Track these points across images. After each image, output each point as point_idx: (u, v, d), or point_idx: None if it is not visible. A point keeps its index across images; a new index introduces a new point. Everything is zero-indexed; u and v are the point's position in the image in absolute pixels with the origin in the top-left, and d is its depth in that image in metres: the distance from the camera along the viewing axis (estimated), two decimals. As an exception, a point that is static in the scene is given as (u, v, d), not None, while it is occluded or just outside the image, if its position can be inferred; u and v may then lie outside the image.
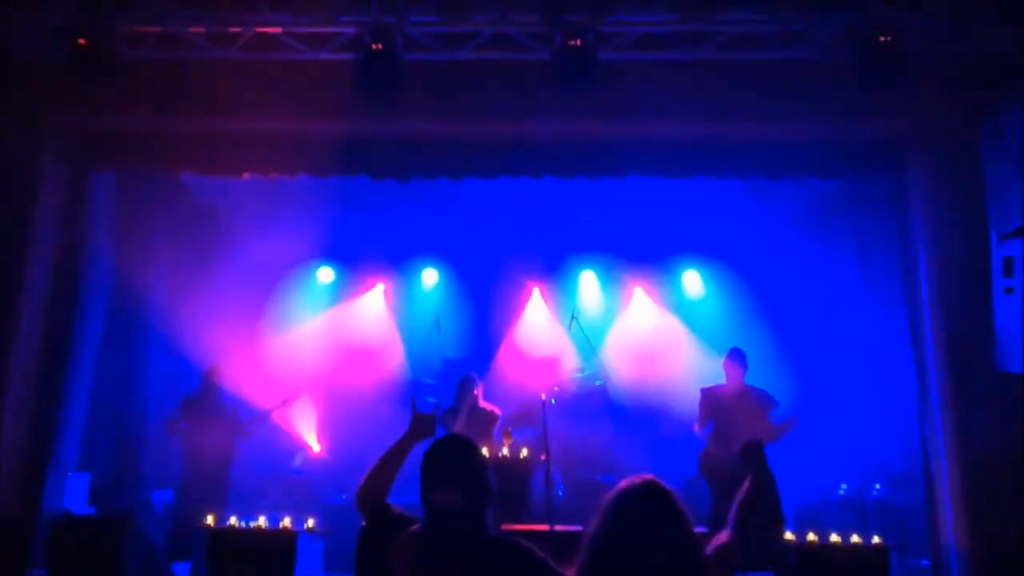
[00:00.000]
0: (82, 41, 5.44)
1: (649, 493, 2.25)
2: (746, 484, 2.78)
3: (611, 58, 5.58)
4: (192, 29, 5.66)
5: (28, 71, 5.90)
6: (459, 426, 6.85)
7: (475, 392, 7.07)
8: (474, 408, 7.01)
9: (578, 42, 5.25)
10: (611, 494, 2.27)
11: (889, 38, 5.21)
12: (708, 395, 6.56)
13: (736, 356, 6.57)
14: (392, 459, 2.73)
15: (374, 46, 5.30)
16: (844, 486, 7.64)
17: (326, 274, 9.66)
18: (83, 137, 6.47)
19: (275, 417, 7.80)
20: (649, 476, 2.30)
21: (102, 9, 5.44)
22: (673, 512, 2.22)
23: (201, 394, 7.17)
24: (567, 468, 8.03)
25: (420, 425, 2.85)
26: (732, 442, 6.05)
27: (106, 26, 5.49)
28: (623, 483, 2.30)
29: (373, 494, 2.66)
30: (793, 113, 5.89)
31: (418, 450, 2.72)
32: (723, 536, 2.66)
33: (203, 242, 8.64)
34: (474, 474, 2.44)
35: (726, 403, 6.42)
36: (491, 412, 7.11)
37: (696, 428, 6.56)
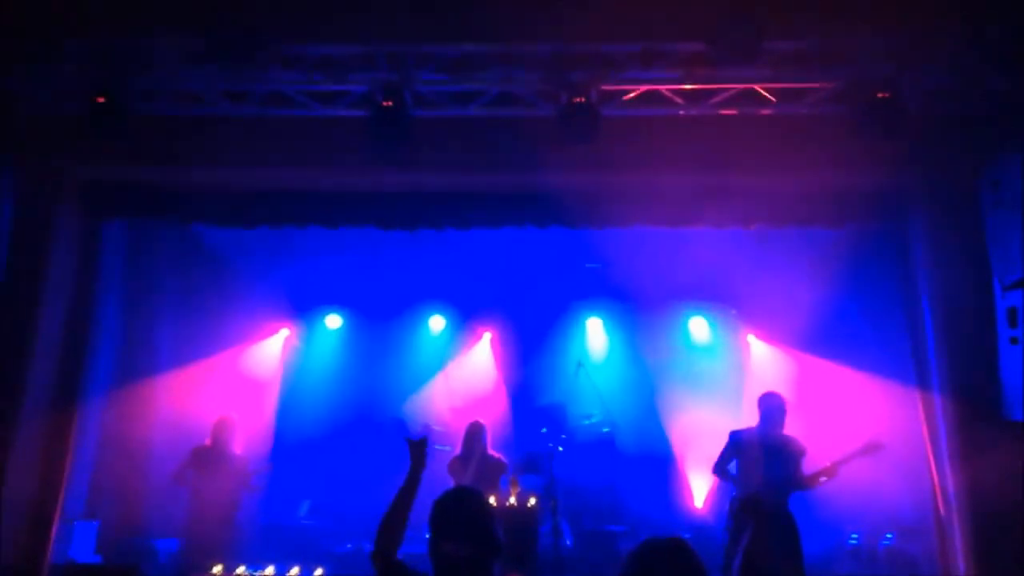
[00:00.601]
0: (100, 99, 5.59)
1: (673, 550, 2.30)
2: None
3: (614, 114, 5.71)
4: (206, 87, 5.81)
5: (45, 124, 6.04)
6: (469, 474, 6.83)
7: (484, 441, 7.07)
8: (483, 457, 7.00)
9: (582, 99, 5.38)
10: (635, 549, 2.33)
11: (888, 93, 5.31)
12: (736, 439, 6.20)
13: (774, 399, 6.23)
14: (402, 501, 2.78)
15: (384, 103, 5.45)
16: (855, 535, 7.56)
17: (334, 320, 9.74)
18: (97, 189, 6.58)
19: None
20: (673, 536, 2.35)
21: (120, 66, 5.59)
22: (695, 571, 2.27)
23: (209, 445, 7.17)
24: (574, 517, 7.98)
25: (417, 453, 2.91)
26: (762, 488, 5.83)
27: (123, 83, 5.64)
28: (647, 539, 2.36)
29: (389, 544, 2.70)
30: (794, 164, 5.98)
31: (426, 499, 2.77)
32: None
33: (212, 288, 8.75)
34: (482, 526, 2.53)
35: (756, 448, 6.07)
36: (499, 461, 7.11)
37: (713, 470, 6.23)
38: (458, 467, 6.96)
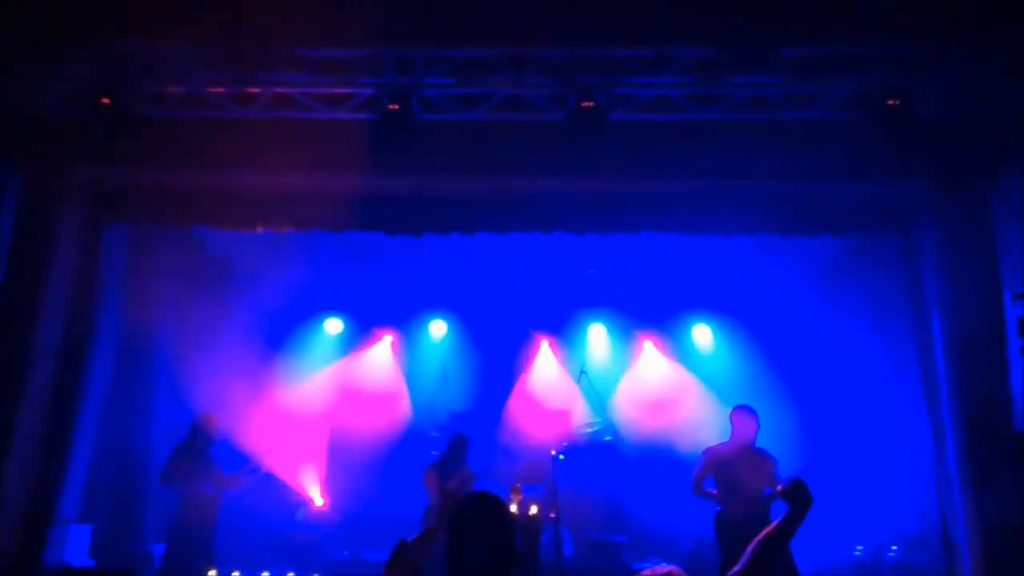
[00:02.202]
0: (106, 100, 5.56)
1: None
2: (777, 522, 2.73)
3: (624, 118, 5.68)
4: (212, 89, 5.77)
5: (51, 125, 6.00)
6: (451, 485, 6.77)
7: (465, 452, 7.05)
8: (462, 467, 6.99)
9: (591, 104, 5.36)
10: None
11: (898, 101, 5.30)
12: (712, 454, 6.27)
13: (747, 412, 6.29)
14: (424, 540, 2.78)
15: (391, 107, 5.42)
16: (860, 548, 7.50)
17: (334, 325, 9.67)
18: (101, 190, 6.53)
19: (271, 470, 7.75)
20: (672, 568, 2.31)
21: (127, 69, 5.56)
22: None
23: (188, 443, 7.02)
24: (575, 526, 7.91)
25: (448, 507, 2.88)
26: (743, 500, 5.96)
27: (130, 85, 5.62)
28: (645, 573, 2.32)
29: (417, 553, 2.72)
30: (803, 172, 5.96)
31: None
32: (736, 568, 2.62)
33: (212, 292, 8.68)
34: (504, 532, 2.51)
35: (733, 461, 6.15)
36: (470, 473, 7.04)
37: (691, 489, 6.28)
38: (440, 472, 6.90)
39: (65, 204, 6.33)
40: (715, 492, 6.21)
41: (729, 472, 6.12)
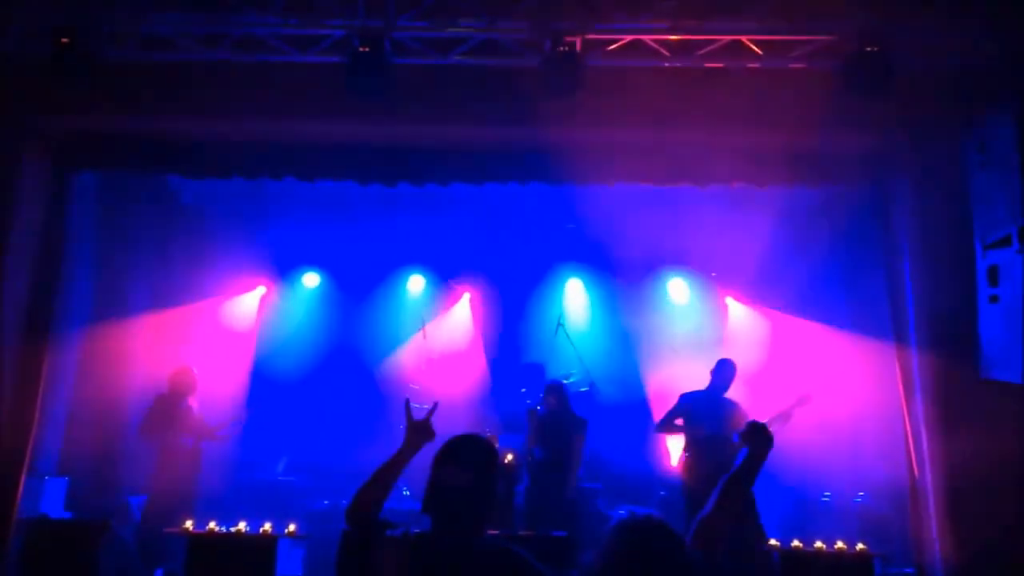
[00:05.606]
0: (65, 40, 5.36)
1: (649, 530, 2.20)
2: (739, 465, 2.77)
3: (599, 64, 5.56)
4: (177, 30, 5.58)
5: (9, 70, 5.79)
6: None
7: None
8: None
9: (567, 49, 5.24)
10: (611, 531, 2.21)
11: (876, 47, 5.25)
12: (686, 399, 6.60)
13: (726, 365, 6.62)
14: (387, 472, 2.62)
15: (361, 49, 5.27)
16: (827, 494, 7.65)
17: (312, 279, 9.61)
18: (65, 138, 6.35)
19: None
20: (647, 513, 2.26)
21: (86, 9, 5.36)
22: (673, 549, 2.19)
23: (165, 397, 7.08)
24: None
25: (416, 433, 2.72)
26: (710, 446, 6.14)
27: (90, 26, 5.40)
28: (623, 518, 2.24)
29: (365, 507, 2.55)
30: (779, 121, 5.86)
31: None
32: (703, 512, 2.64)
33: (188, 246, 8.57)
34: (486, 459, 2.45)
35: (704, 407, 6.48)
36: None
37: (657, 427, 6.70)
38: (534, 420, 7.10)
39: (28, 152, 6.15)
40: (681, 427, 6.55)
41: (699, 417, 6.42)
